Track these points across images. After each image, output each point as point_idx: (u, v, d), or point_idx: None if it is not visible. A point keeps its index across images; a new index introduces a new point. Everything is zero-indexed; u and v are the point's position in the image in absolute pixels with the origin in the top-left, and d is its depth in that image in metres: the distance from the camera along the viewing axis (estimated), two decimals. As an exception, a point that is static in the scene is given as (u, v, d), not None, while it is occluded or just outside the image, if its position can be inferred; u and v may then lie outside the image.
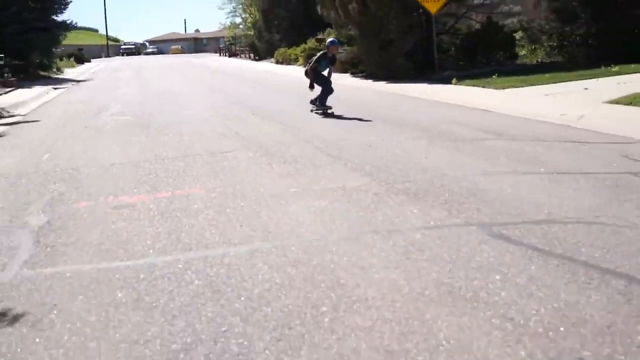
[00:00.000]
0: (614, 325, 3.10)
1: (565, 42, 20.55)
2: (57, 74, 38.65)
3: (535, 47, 21.24)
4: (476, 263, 4.05)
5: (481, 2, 22.41)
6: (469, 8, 21.78)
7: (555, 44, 20.79)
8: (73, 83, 30.86)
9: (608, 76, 15.49)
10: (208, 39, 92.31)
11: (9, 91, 24.91)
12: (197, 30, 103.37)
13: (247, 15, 52.04)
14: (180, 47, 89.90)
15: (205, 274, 4.15)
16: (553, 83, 15.49)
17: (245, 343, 3.15)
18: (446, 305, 3.44)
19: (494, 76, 17.42)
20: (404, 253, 4.32)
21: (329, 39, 14.29)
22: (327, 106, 12.81)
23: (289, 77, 26.46)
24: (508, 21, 22.63)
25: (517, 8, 22.42)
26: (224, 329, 3.33)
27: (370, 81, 21.33)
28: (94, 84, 29.10)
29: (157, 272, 4.25)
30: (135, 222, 5.60)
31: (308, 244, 4.63)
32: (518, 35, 22.50)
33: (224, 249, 4.67)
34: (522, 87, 15.48)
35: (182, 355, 3.08)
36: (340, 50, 19.09)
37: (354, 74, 23.85)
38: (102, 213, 5.97)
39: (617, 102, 11.88)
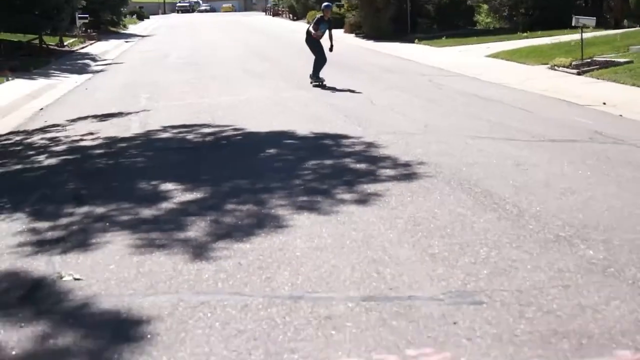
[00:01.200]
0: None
1: (513, 13, 27.50)
2: (124, 30, 47.08)
3: (491, 16, 28.28)
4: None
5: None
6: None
7: (505, 14, 27.77)
8: (139, 37, 39.09)
9: (515, 39, 22.50)
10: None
11: (92, 43, 33.23)
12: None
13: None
14: (231, 5, 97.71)
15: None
16: (476, 44, 22.64)
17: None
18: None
19: (444, 38, 24.65)
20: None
21: (324, 3, 14.92)
22: (320, 78, 13.84)
23: (299, 33, 34.02)
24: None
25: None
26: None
27: (364, 40, 28.71)
28: (156, 39, 37.20)
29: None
30: (186, 94, 13.42)
31: (259, 95, 12.34)
32: (484, 6, 29.46)
33: (222, 98, 12.42)
34: (453, 45, 22.76)
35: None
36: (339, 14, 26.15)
37: (357, 34, 31.14)
38: (173, 98, 13.80)
39: (494, 56, 19.19)
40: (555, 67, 15.57)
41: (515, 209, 5.05)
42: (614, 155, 6.97)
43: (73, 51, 28.52)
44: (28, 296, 3.81)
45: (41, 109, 13.15)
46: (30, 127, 10.74)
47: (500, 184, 5.79)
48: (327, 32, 14.08)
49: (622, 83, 13.03)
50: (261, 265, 4.04)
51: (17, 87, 16.61)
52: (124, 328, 3.30)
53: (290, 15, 57.50)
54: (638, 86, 12.45)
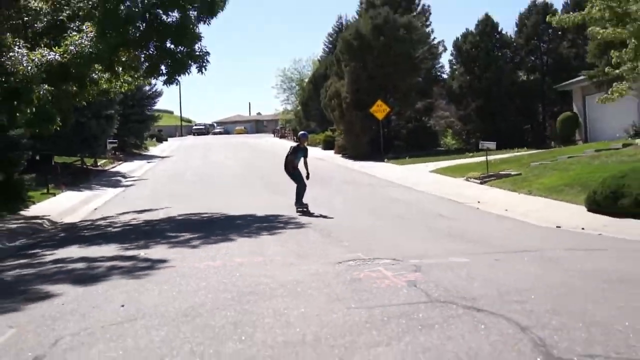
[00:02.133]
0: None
1: (470, 136, 34.01)
2: (145, 152, 54.27)
3: (451, 138, 34.80)
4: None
5: (421, 107, 36.20)
6: (412, 112, 35.62)
7: (464, 137, 34.28)
8: (159, 159, 46.00)
9: (460, 159, 28.68)
10: (267, 121, 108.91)
11: (120, 163, 39.99)
12: (258, 113, 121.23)
13: (292, 106, 67.33)
14: (243, 127, 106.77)
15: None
16: (428, 162, 28.83)
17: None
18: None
19: (407, 157, 30.96)
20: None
21: (300, 132, 16.46)
22: (304, 204, 14.93)
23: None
24: (441, 121, 36.23)
25: (447, 113, 36.07)
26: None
27: (346, 159, 35.13)
28: (173, 159, 44.02)
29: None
30: (194, 198, 19.39)
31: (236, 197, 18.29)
32: (449, 130, 36.07)
33: (218, 201, 18.37)
34: (412, 164, 28.97)
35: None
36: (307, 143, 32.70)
37: (343, 155, 37.68)
38: (186, 200, 19.77)
39: (435, 171, 25.26)
40: (469, 179, 21.62)
41: (337, 239, 10.76)
42: (440, 225, 12.74)
43: (105, 170, 35.15)
44: (132, 263, 9.53)
45: (95, 209, 19.25)
46: (94, 218, 16.74)
47: (345, 233, 11.55)
48: (302, 159, 15.37)
49: (504, 189, 18.98)
50: (219, 249, 9.81)
51: (72, 197, 22.84)
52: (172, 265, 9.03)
53: (294, 137, 64.94)
54: (513, 191, 18.38)
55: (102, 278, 7.93)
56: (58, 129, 15.86)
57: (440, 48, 36.72)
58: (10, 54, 13.00)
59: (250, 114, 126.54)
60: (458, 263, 7.65)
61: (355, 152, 34.89)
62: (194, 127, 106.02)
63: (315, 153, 41.74)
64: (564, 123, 28.61)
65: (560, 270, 7.21)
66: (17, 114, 13.89)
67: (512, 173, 21.03)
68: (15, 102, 13.40)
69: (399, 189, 20.59)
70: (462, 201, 17.22)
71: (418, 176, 24.26)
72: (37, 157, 25.52)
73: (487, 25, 33.08)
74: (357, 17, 45.52)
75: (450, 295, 5.82)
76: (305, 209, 14.66)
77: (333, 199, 18.00)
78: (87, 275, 8.28)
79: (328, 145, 43.85)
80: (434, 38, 39.36)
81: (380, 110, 32.97)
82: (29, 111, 13.69)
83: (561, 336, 4.44)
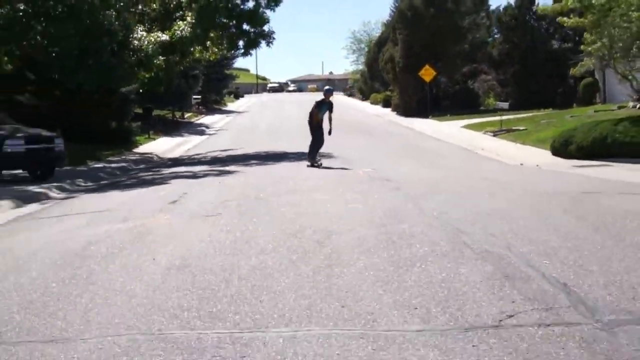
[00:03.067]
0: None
1: (508, 97, 38.54)
2: (224, 107, 60.76)
3: (493, 99, 39.39)
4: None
5: (467, 71, 40.80)
6: (458, 75, 40.34)
7: (502, 99, 38.84)
8: (236, 113, 52.29)
9: (490, 117, 33.34)
10: (339, 80, 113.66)
11: (203, 117, 46.42)
12: (330, 73, 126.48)
13: (361, 67, 72.36)
14: (316, 86, 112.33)
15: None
16: (466, 119, 33.66)
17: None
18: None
19: (448, 115, 35.86)
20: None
21: (326, 87, 16.77)
22: (316, 160, 15.38)
23: (355, 110, 46.09)
24: (484, 84, 40.77)
25: (489, 77, 40.57)
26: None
27: (398, 116, 40.25)
28: (249, 114, 50.20)
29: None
30: (263, 144, 25.23)
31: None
32: (489, 92, 40.59)
33: (280, 144, 24.13)
34: (450, 120, 33.89)
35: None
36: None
37: (397, 112, 42.79)
38: (257, 146, 25.63)
39: (465, 126, 30.25)
40: (486, 132, 26.60)
41: (350, 163, 16.23)
42: (431, 158, 18.07)
43: (191, 122, 41.60)
44: (218, 171, 15.34)
45: (188, 149, 25.37)
46: (189, 154, 22.86)
47: (359, 161, 16.99)
48: (327, 114, 15.53)
49: (507, 140, 23.95)
50: (271, 165, 15.53)
51: (168, 141, 29.19)
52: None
53: (360, 96, 70.14)
54: (513, 142, 23.33)
55: (202, 177, 13.87)
56: (163, 89, 22.00)
57: (486, 21, 41.06)
58: (135, 35, 18.93)
59: (323, 72, 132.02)
60: (410, 172, 13.09)
61: (406, 110, 39.99)
62: (269, 85, 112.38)
63: (375, 110, 47.29)
64: (586, 87, 32.80)
65: (487, 180, 12.34)
66: (138, 78, 20.03)
67: (520, 128, 25.88)
68: (136, 69, 19.44)
69: (424, 138, 25.87)
70: (469, 148, 22.36)
71: (449, 130, 29.32)
72: (141, 110, 32.02)
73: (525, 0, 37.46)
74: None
75: (384, 178, 11.33)
76: (317, 164, 15.16)
77: (365, 143, 23.36)
78: (194, 177, 14.22)
79: (386, 103, 49.04)
80: (488, 7, 43.82)
81: (427, 73, 37.80)
82: (146, 76, 19.78)
83: (441, 209, 9.91)
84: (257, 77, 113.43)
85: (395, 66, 40.29)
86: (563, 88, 38.28)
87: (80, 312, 4.29)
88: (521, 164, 17.52)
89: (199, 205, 8.89)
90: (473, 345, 3.42)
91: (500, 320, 3.75)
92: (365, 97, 67.34)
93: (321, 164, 15.15)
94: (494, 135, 25.62)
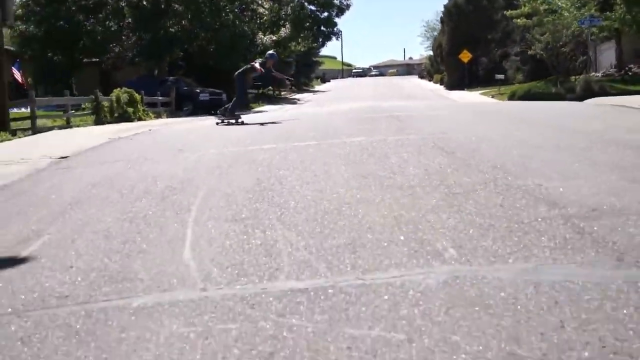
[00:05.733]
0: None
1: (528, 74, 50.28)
2: (312, 89, 74.62)
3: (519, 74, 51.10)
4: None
5: (500, 53, 52.59)
6: (493, 56, 52.26)
7: (526, 74, 50.61)
8: (321, 92, 65.88)
9: (508, 86, 45.32)
10: (417, 64, 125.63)
11: (296, 94, 60.32)
12: (410, 58, 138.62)
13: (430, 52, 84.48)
14: (396, 70, 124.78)
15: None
16: (489, 90, 45.74)
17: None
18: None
19: (478, 87, 48.01)
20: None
21: (269, 52, 17.26)
22: (236, 115, 15.65)
23: (418, 87, 58.79)
24: (514, 65, 52.46)
25: (517, 58, 52.21)
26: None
27: (443, 88, 52.57)
28: (332, 93, 63.61)
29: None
30: (336, 105, 38.56)
31: None
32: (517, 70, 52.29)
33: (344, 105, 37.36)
34: (477, 91, 46.13)
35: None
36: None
37: (445, 87, 55.10)
38: (332, 106, 38.94)
39: (482, 94, 42.62)
40: (491, 96, 38.91)
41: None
42: (425, 102, 30.97)
43: (287, 97, 55.50)
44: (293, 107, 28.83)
45: (286, 110, 38.97)
46: (285, 118, 36.51)
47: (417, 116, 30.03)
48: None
49: (488, 97, 36.32)
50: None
51: (272, 108, 42.97)
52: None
53: (428, 77, 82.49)
54: (492, 97, 35.69)
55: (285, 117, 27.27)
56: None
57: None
58: (258, 36, 32.58)
59: (404, 58, 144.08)
60: (414, 107, 26.10)
61: (450, 84, 52.38)
62: (353, 71, 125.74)
63: (432, 87, 59.94)
64: (582, 62, 44.45)
65: (443, 105, 25.14)
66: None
67: (508, 91, 38.10)
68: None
69: (444, 100, 38.33)
70: (459, 101, 34.81)
71: (470, 96, 41.64)
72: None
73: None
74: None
75: (378, 111, 24.33)
76: (236, 121, 15.28)
77: (404, 102, 36.14)
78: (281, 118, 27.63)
79: (442, 81, 61.49)
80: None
81: (465, 56, 50.00)
82: (262, 61, 33.58)
83: (408, 117, 22.92)
84: (343, 63, 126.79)
85: (442, 51, 52.66)
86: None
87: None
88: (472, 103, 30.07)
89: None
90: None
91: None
92: (431, 77, 79.67)
93: (242, 122, 15.55)
94: (492, 97, 37.87)
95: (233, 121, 14.45)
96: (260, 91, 50.09)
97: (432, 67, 79.57)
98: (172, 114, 25.85)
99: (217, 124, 14.26)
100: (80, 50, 33.58)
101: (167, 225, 5.08)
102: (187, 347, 2.89)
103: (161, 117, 24.23)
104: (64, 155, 10.17)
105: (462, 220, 4.66)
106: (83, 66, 35.06)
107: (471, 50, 50.39)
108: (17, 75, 29.93)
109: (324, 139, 10.14)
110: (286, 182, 6.51)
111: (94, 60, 35.30)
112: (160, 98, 26.14)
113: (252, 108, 41.06)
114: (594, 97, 23.50)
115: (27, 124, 17.92)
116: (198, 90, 27.18)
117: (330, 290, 3.42)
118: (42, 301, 3.62)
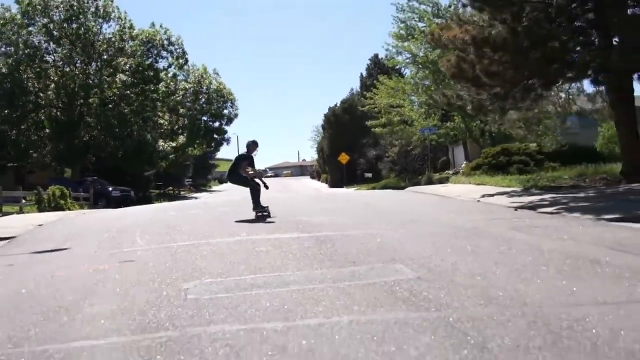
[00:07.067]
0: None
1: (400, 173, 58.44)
2: (210, 189, 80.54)
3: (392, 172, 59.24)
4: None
5: (374, 155, 60.79)
6: (367, 157, 60.39)
7: (396, 174, 58.74)
8: (219, 193, 71.82)
9: (375, 184, 52.91)
10: (309, 165, 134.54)
11: (193, 194, 66.06)
12: (303, 160, 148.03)
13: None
14: (290, 172, 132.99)
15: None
16: (363, 187, 53.15)
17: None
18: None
19: (355, 185, 55.42)
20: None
21: (250, 140, 15.96)
22: (261, 207, 15.25)
23: (303, 186, 65.92)
24: (387, 165, 60.63)
25: (390, 158, 60.54)
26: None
27: (327, 187, 59.65)
28: (228, 192, 69.52)
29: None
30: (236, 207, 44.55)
31: None
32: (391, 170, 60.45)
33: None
34: (352, 188, 53.48)
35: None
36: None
37: (328, 185, 62.26)
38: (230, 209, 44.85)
39: (355, 190, 49.96)
40: (357, 189, 46.11)
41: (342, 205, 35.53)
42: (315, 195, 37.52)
43: (186, 196, 61.16)
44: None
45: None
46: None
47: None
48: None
49: (355, 190, 43.54)
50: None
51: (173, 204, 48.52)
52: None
53: (317, 177, 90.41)
54: (357, 189, 42.88)
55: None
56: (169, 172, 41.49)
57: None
58: (159, 143, 38.61)
59: (298, 159, 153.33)
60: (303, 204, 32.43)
61: (332, 183, 59.72)
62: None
63: (317, 185, 67.14)
64: (443, 162, 53.00)
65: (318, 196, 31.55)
66: (159, 166, 39.79)
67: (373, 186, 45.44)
68: (159, 162, 39.08)
69: (328, 194, 45.09)
70: (335, 194, 41.66)
71: (346, 192, 48.66)
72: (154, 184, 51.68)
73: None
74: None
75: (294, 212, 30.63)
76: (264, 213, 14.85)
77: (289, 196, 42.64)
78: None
79: (326, 180, 69.05)
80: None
81: (343, 158, 57.74)
82: (163, 165, 39.43)
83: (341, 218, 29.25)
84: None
85: (324, 154, 60.27)
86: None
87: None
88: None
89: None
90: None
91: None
92: (319, 177, 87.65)
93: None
94: (357, 189, 45.04)
95: (266, 213, 14.67)
96: (162, 190, 55.66)
97: (320, 168, 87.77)
98: (90, 207, 31.21)
99: (258, 217, 14.49)
100: (4, 156, 38.57)
101: None
102: None
103: (83, 209, 29.62)
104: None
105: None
106: (6, 169, 39.95)
107: (349, 153, 58.22)
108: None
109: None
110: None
111: (14, 164, 40.30)
112: (82, 194, 31.57)
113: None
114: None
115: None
116: (110, 188, 32.73)
117: None
118: None
